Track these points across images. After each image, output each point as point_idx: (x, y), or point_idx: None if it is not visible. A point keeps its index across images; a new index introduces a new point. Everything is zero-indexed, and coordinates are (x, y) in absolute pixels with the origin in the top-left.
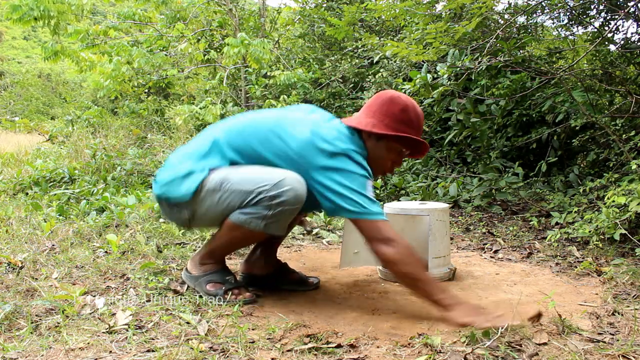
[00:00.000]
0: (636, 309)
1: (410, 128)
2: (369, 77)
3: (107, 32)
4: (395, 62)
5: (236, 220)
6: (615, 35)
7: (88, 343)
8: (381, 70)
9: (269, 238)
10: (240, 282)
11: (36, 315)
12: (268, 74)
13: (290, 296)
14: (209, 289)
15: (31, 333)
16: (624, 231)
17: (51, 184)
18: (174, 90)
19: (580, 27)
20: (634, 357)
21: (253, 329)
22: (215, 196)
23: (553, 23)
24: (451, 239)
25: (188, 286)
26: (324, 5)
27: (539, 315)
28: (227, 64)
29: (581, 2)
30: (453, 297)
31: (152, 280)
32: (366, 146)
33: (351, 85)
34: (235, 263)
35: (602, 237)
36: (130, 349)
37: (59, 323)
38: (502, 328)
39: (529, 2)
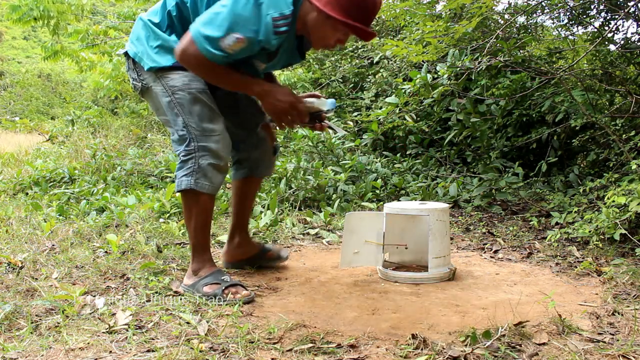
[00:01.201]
0: (636, 309)
1: (364, 15)
2: (369, 77)
3: (107, 32)
4: (395, 62)
5: (180, 185)
6: (615, 35)
7: (88, 343)
8: (381, 70)
9: (239, 219)
10: (236, 281)
11: (36, 315)
12: None
13: (290, 296)
14: (206, 290)
15: (31, 333)
16: (624, 231)
17: (51, 184)
18: None
19: (580, 27)
20: (634, 357)
21: (253, 329)
22: (165, 98)
23: (553, 23)
24: (451, 239)
25: None
26: None
27: None
28: None
29: (581, 2)
30: None
31: (152, 280)
32: (300, 12)
33: (351, 85)
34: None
35: (602, 237)
36: (130, 349)
37: (59, 323)
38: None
39: (529, 2)
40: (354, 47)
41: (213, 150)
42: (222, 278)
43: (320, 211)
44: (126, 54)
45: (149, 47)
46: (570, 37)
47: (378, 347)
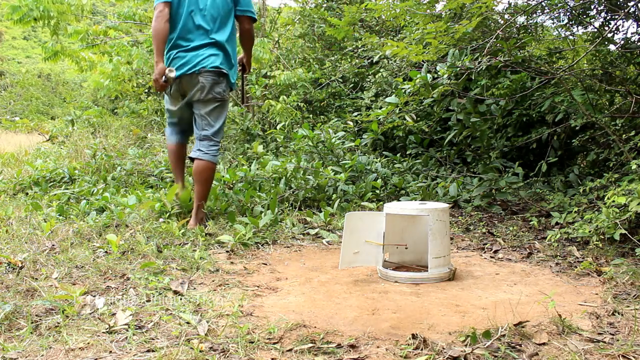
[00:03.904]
0: (636, 309)
1: None
2: (369, 77)
3: (107, 32)
4: (395, 62)
5: (215, 160)
6: (615, 35)
7: (88, 343)
8: (381, 70)
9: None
10: None
11: (36, 315)
12: (268, 73)
13: (290, 296)
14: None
15: (31, 333)
16: (624, 231)
17: (51, 184)
18: None
19: (580, 27)
20: (634, 357)
21: (253, 329)
22: (226, 109)
23: (553, 23)
24: (451, 239)
25: (188, 286)
26: (324, 5)
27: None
28: None
29: (581, 2)
30: None
31: (152, 280)
32: None
33: (351, 85)
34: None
35: (602, 237)
36: (130, 349)
37: (59, 323)
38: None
39: (529, 2)
40: (354, 47)
41: None
42: None
43: (320, 211)
44: (223, 72)
45: (234, 66)
46: (570, 37)
47: (378, 347)
